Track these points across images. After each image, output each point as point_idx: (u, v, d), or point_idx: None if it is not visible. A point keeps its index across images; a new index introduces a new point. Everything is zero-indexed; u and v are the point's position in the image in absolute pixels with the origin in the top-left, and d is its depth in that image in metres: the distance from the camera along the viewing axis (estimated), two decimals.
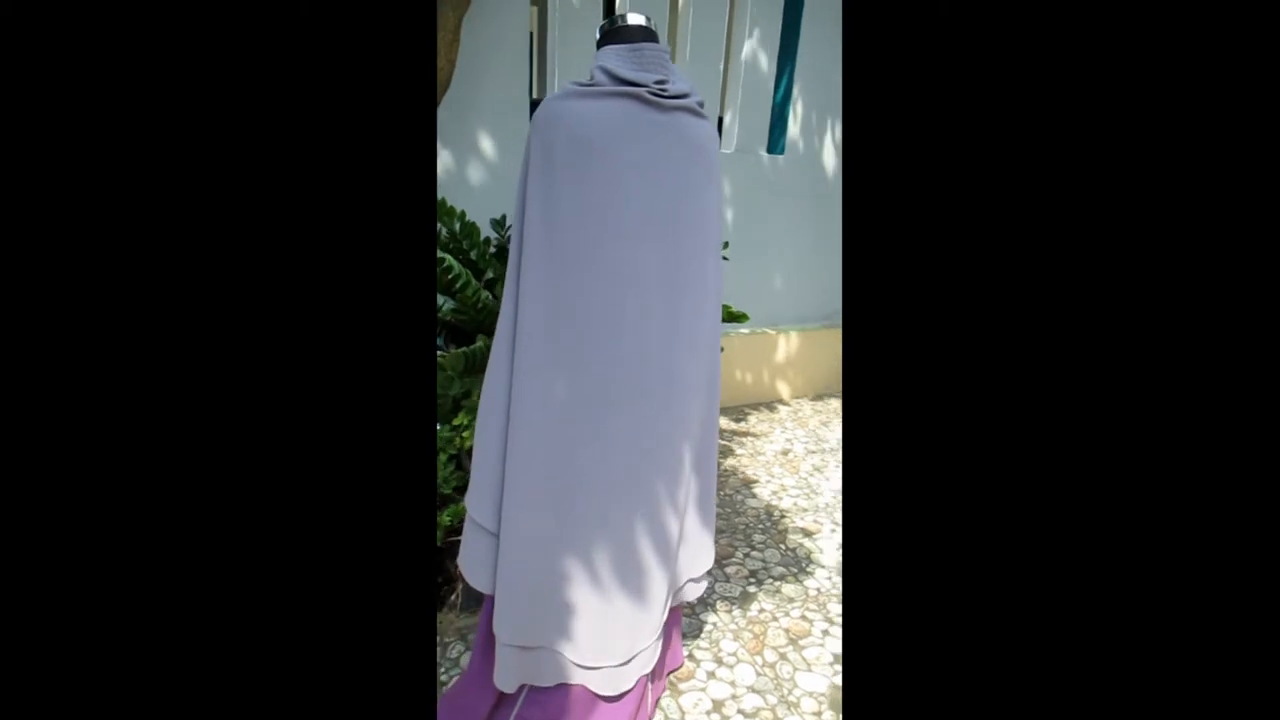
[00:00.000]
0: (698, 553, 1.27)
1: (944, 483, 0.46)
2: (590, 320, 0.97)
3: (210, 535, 0.48)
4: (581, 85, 0.96)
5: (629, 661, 1.17)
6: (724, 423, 3.24)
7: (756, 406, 3.50)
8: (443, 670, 1.51)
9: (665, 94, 0.96)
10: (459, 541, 1.67)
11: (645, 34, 0.99)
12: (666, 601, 1.22)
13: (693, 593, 1.31)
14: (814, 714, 1.49)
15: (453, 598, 1.72)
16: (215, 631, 0.48)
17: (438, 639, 1.60)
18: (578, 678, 1.15)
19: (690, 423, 1.16)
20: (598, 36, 1.02)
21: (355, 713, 0.50)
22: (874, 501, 0.48)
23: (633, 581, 1.13)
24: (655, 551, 1.15)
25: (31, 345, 0.43)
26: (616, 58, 0.95)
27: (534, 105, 2.41)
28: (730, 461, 2.77)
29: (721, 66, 2.97)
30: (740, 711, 1.48)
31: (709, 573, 1.34)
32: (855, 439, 0.50)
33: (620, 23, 0.99)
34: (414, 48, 0.52)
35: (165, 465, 0.47)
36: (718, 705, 1.49)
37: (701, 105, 1.02)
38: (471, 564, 1.13)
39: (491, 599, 1.15)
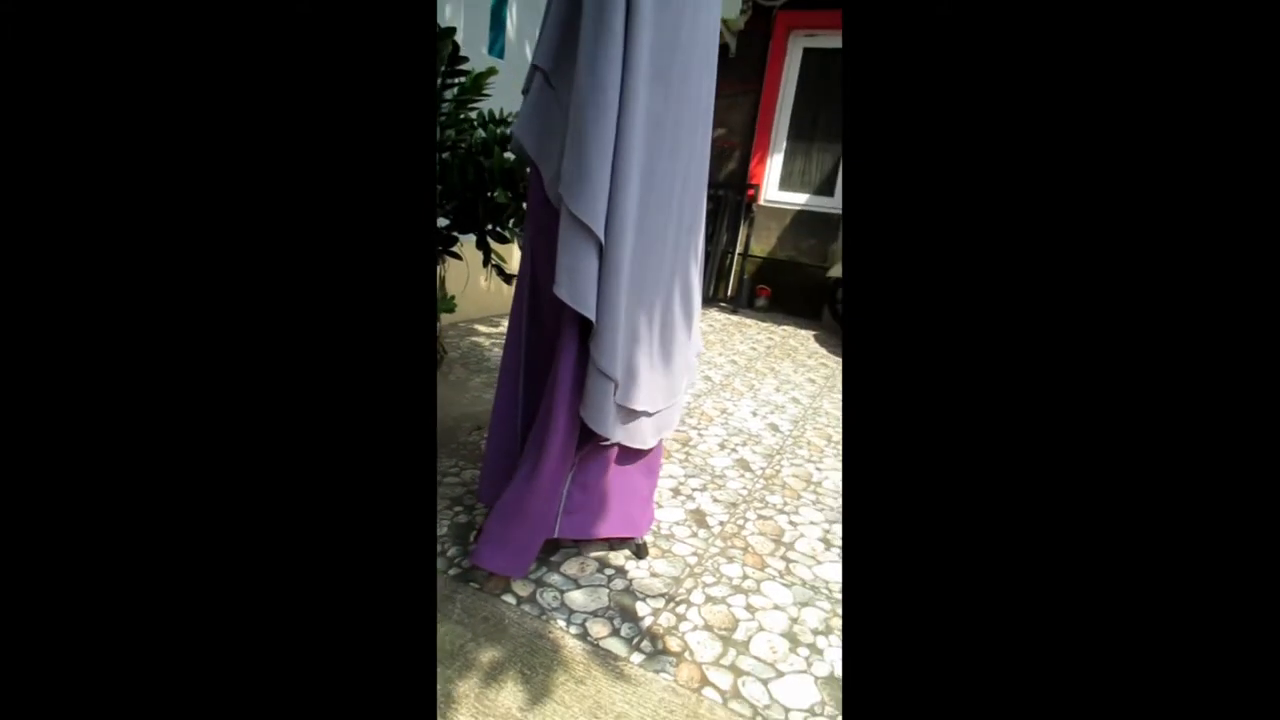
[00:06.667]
0: (695, 333, 1.37)
1: (943, 473, 0.45)
2: (679, 45, 1.07)
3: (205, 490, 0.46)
4: None
5: (661, 411, 1.29)
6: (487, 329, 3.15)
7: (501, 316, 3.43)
8: None
9: None
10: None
11: None
12: (685, 371, 1.33)
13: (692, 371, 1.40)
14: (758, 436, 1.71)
15: None
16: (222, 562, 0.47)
17: None
18: (617, 435, 1.23)
19: (699, 227, 1.27)
20: None
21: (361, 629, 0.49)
22: (875, 494, 0.47)
23: (672, 341, 1.25)
24: (685, 317, 1.28)
25: (33, 346, 0.43)
26: None
27: None
28: None
29: None
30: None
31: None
32: (856, 438, 0.48)
33: None
34: (414, 31, 0.50)
35: (165, 423, 0.46)
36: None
37: None
38: (582, 284, 1.09)
39: (581, 333, 1.16)
